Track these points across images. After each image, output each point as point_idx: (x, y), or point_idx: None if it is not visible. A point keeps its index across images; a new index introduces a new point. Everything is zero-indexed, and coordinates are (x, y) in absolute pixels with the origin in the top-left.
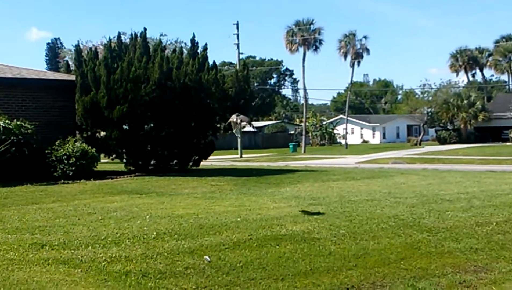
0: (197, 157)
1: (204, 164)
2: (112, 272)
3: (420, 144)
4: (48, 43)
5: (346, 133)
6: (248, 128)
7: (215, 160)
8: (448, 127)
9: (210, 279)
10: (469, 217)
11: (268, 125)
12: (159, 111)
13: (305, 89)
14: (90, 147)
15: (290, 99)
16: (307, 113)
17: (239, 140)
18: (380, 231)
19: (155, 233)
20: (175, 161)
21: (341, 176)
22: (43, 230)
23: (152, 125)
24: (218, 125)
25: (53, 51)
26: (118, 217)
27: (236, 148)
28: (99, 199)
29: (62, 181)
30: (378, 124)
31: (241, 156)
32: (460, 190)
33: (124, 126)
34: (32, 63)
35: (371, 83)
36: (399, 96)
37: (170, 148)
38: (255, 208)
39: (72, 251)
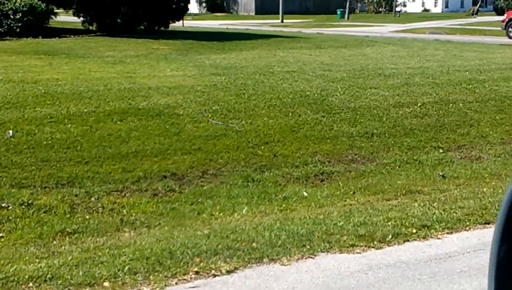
0: (166, 19)
1: (209, 25)
2: None
3: (476, 14)
4: None
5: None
6: None
7: (246, 24)
8: None
9: None
10: (391, 96)
11: None
12: None
13: None
14: (41, 2)
15: None
16: None
17: (280, 3)
18: (265, 108)
19: None
20: (145, 23)
21: (312, 44)
22: None
23: None
24: None
25: None
26: None
27: (288, 13)
28: None
29: (7, 37)
30: None
31: (282, 21)
32: (416, 64)
33: None
34: None
35: None
36: None
37: (134, 7)
38: (141, 76)
39: None
